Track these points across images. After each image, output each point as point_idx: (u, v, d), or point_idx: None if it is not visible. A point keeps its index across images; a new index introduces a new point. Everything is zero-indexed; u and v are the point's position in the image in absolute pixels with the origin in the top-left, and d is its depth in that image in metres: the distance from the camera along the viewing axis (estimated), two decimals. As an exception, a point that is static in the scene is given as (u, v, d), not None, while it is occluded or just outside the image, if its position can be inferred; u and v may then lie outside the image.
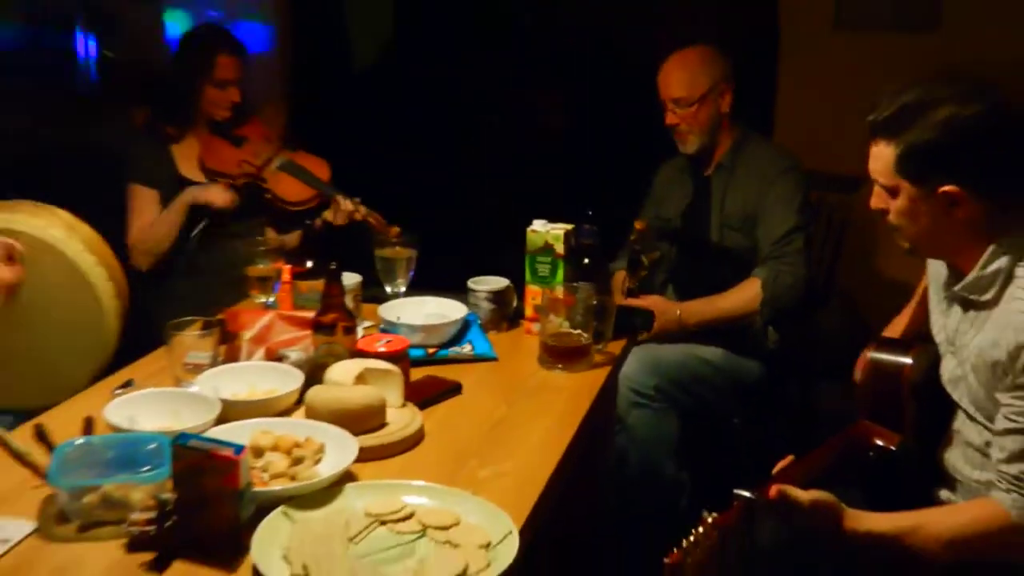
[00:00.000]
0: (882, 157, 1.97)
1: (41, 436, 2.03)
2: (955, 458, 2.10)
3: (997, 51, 3.83)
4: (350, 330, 2.31)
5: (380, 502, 1.77)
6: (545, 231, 2.69)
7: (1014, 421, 1.89)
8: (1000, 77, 1.97)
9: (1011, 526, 1.88)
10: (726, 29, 4.16)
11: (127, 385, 2.29)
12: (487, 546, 1.65)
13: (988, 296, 1.97)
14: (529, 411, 2.27)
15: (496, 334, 2.69)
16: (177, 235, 3.47)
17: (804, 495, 1.90)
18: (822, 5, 4.26)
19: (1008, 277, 1.94)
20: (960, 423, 2.09)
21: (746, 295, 3.17)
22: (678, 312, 3.17)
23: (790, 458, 2.10)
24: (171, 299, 3.38)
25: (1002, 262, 1.94)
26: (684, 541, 1.72)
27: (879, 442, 2.16)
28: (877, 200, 2.03)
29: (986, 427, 1.99)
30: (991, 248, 1.95)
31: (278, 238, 3.56)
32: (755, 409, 3.25)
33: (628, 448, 3.09)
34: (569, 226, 2.71)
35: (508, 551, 1.63)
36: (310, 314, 2.38)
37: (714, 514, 1.80)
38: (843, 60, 4.21)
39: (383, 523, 1.73)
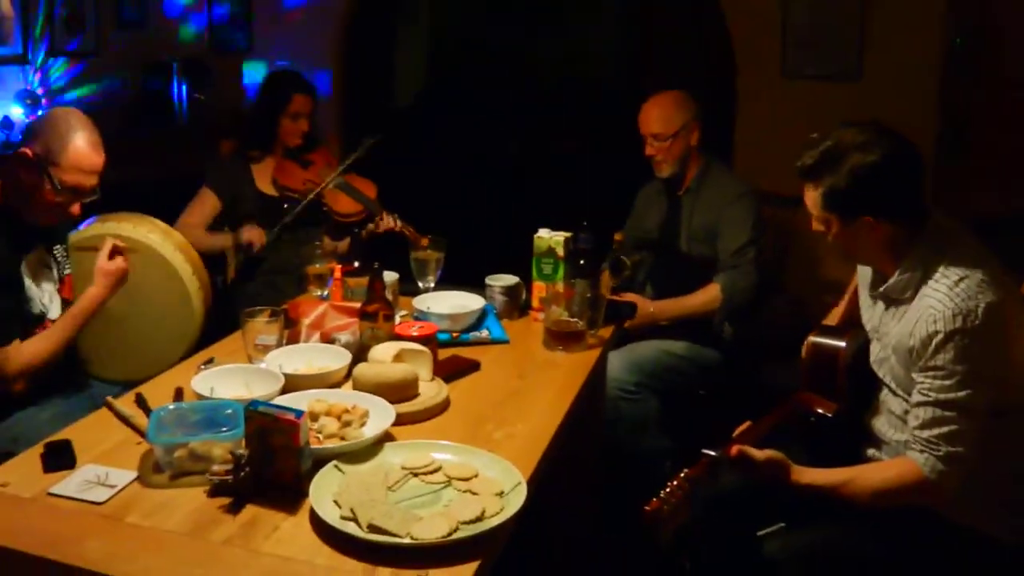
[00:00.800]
0: (810, 197, 1.99)
1: (141, 402, 2.03)
2: (880, 423, 2.09)
3: (903, 98, 3.91)
4: (389, 318, 2.29)
5: (413, 458, 1.76)
6: (549, 237, 2.67)
7: (925, 395, 1.88)
8: (904, 117, 1.96)
9: (923, 480, 1.87)
10: (695, 78, 4.15)
11: (210, 362, 2.28)
12: (500, 494, 1.64)
13: (905, 296, 1.96)
14: (535, 384, 2.25)
15: (508, 321, 2.66)
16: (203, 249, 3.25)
17: (759, 453, 1.92)
18: (771, 59, 4.27)
19: (920, 281, 1.93)
20: (884, 395, 2.08)
21: (707, 296, 3.13)
22: (651, 308, 3.14)
23: (747, 423, 2.11)
24: (245, 292, 3.37)
25: (914, 271, 1.94)
26: (661, 492, 1.72)
27: (819, 410, 2.16)
28: (817, 224, 2.03)
29: (905, 399, 1.98)
30: (903, 263, 1.95)
31: (332, 243, 3.53)
32: (718, 387, 3.22)
33: (617, 423, 3.04)
34: (568, 233, 2.70)
35: (518, 498, 1.62)
36: (357, 305, 2.36)
37: (686, 470, 1.79)
38: (787, 102, 4.22)
39: (415, 475, 1.71)
